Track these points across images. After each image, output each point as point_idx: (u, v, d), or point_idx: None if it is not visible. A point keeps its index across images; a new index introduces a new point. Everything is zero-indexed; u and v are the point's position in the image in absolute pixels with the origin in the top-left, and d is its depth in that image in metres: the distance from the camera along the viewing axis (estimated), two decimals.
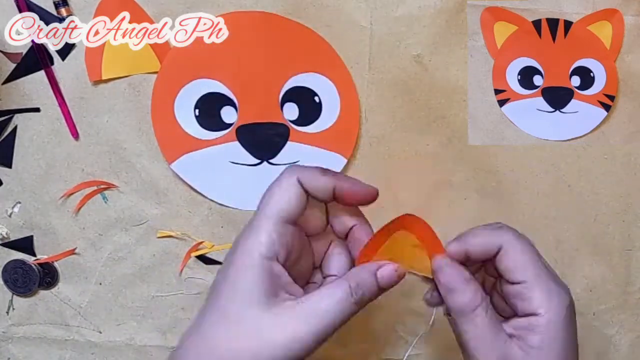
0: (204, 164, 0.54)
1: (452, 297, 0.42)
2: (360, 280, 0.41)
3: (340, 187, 0.42)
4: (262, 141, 0.54)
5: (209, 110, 0.54)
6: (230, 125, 0.54)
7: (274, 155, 0.54)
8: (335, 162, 0.54)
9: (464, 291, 0.42)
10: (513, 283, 0.43)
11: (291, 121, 0.54)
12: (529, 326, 0.42)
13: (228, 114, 0.54)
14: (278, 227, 0.41)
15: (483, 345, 0.42)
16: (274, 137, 0.54)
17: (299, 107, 0.54)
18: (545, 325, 0.41)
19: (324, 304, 0.40)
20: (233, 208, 0.55)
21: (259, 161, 0.54)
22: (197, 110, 0.54)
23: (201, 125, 0.54)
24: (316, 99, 0.54)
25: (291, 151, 0.54)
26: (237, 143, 0.54)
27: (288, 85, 0.54)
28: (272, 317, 0.39)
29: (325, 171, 0.42)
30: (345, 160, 0.54)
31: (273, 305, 0.39)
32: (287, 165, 0.46)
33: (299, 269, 0.44)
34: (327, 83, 0.53)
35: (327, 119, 0.54)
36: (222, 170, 0.54)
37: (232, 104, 0.54)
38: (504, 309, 0.45)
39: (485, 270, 0.46)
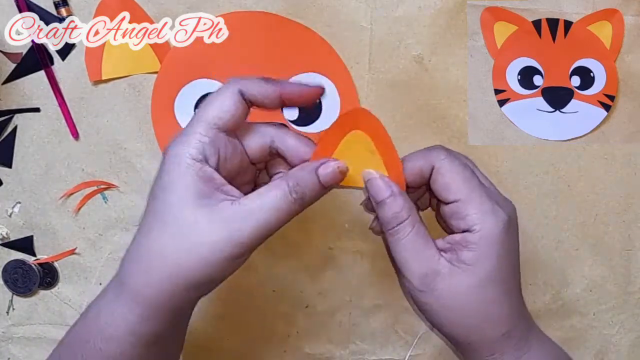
0: None
1: (380, 209, 0.43)
2: (300, 179, 0.40)
3: (285, 90, 0.42)
4: None
5: None
6: None
7: None
8: None
9: (390, 204, 0.42)
10: (448, 203, 0.43)
11: (291, 121, 0.54)
12: (462, 241, 0.42)
13: None
14: (209, 133, 0.40)
15: (410, 258, 0.42)
16: None
17: (299, 107, 0.54)
18: (478, 242, 0.41)
19: (261, 202, 0.39)
20: None
21: None
22: (197, 110, 0.54)
23: None
24: None
25: None
26: None
27: None
28: (207, 217, 0.38)
29: (268, 79, 0.42)
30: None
31: (208, 205, 0.39)
32: None
33: (243, 186, 0.43)
34: (327, 83, 0.53)
35: (327, 119, 0.54)
36: None
37: None
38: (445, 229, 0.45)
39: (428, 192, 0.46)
